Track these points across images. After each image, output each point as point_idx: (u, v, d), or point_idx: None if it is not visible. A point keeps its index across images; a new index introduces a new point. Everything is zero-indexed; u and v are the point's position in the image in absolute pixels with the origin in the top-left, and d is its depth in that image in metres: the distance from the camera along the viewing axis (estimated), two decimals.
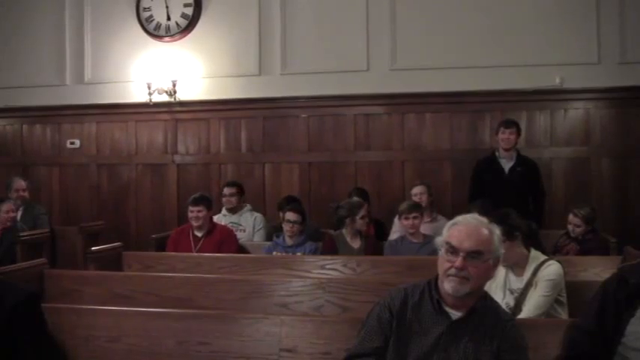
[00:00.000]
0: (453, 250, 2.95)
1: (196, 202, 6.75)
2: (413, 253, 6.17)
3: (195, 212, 6.72)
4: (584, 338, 2.94)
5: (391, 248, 6.45)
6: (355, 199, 7.05)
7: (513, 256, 4.37)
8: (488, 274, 3.03)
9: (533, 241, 4.74)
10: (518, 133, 7.27)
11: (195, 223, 6.73)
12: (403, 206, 6.47)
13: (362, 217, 6.48)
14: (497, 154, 7.28)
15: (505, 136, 7.20)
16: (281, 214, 7.08)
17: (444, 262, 2.98)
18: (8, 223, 7.35)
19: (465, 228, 3.00)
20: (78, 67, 9.51)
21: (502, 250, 3.08)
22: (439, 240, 3.07)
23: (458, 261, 2.91)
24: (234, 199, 7.59)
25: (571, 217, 6.28)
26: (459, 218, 3.08)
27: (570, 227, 6.27)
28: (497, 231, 3.06)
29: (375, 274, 5.60)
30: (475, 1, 8.30)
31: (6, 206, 7.44)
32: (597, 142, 8.12)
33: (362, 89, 8.54)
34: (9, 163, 9.72)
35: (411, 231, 6.35)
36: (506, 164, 7.20)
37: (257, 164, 9.01)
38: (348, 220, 6.51)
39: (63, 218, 9.41)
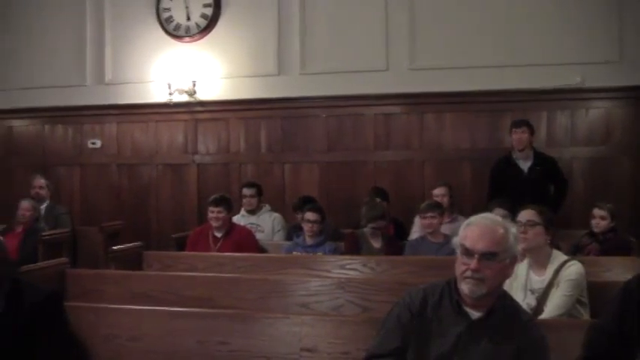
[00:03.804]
0: (467, 251, 2.93)
1: (217, 203, 6.76)
2: (432, 252, 6.16)
3: (215, 213, 6.72)
4: (604, 339, 2.93)
5: (411, 248, 6.45)
6: (377, 200, 7.07)
7: (538, 242, 4.43)
8: (505, 274, 3.00)
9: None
10: (531, 131, 7.23)
11: (214, 224, 6.74)
12: (422, 206, 6.47)
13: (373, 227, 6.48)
14: (513, 155, 7.26)
15: (517, 136, 7.19)
16: (299, 215, 7.09)
17: (460, 264, 2.96)
18: (25, 221, 7.44)
19: (479, 229, 2.97)
20: (98, 67, 9.56)
21: (519, 248, 3.06)
22: (456, 241, 3.06)
23: (473, 263, 2.89)
24: (255, 200, 7.61)
25: (596, 210, 6.22)
26: (473, 219, 3.05)
27: (594, 221, 6.20)
28: (512, 229, 3.04)
29: (395, 274, 5.60)
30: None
31: (24, 204, 7.53)
32: (618, 142, 8.06)
33: (381, 89, 8.52)
34: (31, 163, 9.77)
35: (429, 230, 6.34)
36: (524, 164, 7.17)
37: (276, 164, 9.03)
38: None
39: (84, 218, 9.44)
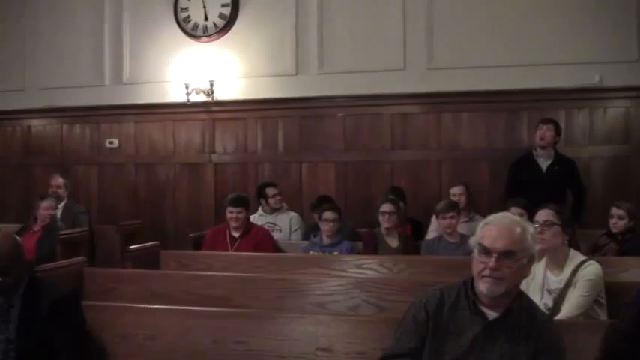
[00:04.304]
0: (485, 250, 2.93)
1: (236, 204, 6.75)
2: (450, 252, 6.15)
3: (235, 213, 6.71)
4: (623, 340, 2.91)
5: (428, 247, 6.45)
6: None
7: (556, 243, 4.40)
8: (523, 273, 3.00)
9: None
10: (557, 131, 7.19)
11: (234, 224, 6.73)
12: (440, 206, 6.46)
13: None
14: (534, 152, 7.23)
15: (542, 132, 7.14)
16: (315, 215, 7.08)
17: (477, 263, 2.96)
18: (47, 220, 7.46)
19: (497, 228, 2.97)
20: (116, 67, 9.61)
21: (536, 247, 3.05)
22: (473, 240, 3.05)
23: (491, 262, 2.89)
24: (280, 198, 7.66)
25: (614, 209, 6.18)
26: (491, 218, 3.06)
27: (612, 221, 6.15)
28: (530, 229, 3.04)
29: (412, 274, 5.59)
30: None
31: (46, 203, 7.56)
32: (637, 141, 7.99)
33: (398, 88, 8.50)
34: (49, 162, 9.83)
35: (448, 230, 6.34)
36: (544, 163, 7.14)
37: (294, 164, 9.03)
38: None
39: (102, 217, 9.48)
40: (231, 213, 6.73)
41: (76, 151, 9.92)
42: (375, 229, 6.69)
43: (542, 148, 7.15)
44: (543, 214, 4.51)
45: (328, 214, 6.51)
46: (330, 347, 3.65)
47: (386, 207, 6.55)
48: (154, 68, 9.41)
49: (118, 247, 7.80)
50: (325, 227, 6.50)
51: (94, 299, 4.75)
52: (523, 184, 7.05)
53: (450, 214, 6.33)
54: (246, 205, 6.84)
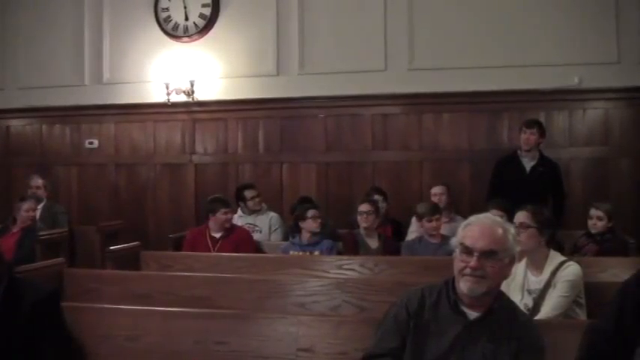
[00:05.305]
0: (467, 250, 2.94)
1: (228, 204, 6.87)
2: (431, 253, 6.16)
3: (229, 214, 6.83)
4: (603, 340, 2.91)
5: (409, 248, 6.45)
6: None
7: (532, 245, 4.42)
8: (504, 273, 3.02)
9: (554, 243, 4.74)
10: (541, 133, 7.22)
11: (227, 225, 6.80)
12: (424, 209, 6.44)
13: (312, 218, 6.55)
14: (519, 152, 7.26)
15: (526, 136, 7.19)
16: (295, 217, 7.08)
17: (458, 262, 2.97)
18: (28, 222, 7.42)
19: (479, 228, 2.99)
20: (97, 67, 9.54)
21: (517, 248, 3.07)
22: (454, 241, 3.07)
23: (472, 261, 2.90)
24: (260, 200, 7.66)
25: (593, 210, 6.22)
26: (473, 218, 3.07)
27: (591, 222, 6.19)
28: (511, 229, 3.06)
29: (393, 274, 5.60)
30: (493, 0, 8.27)
31: (26, 205, 7.51)
32: (616, 142, 8.06)
33: (379, 89, 8.52)
34: (29, 162, 9.77)
35: (434, 233, 6.34)
36: (528, 164, 7.18)
37: (275, 164, 9.02)
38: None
39: (82, 218, 9.43)
40: (226, 214, 6.81)
41: (56, 152, 9.86)
42: (356, 229, 6.70)
43: (527, 151, 7.19)
44: (520, 217, 4.53)
45: (313, 212, 6.52)
46: (311, 348, 3.65)
47: (364, 207, 6.59)
48: (134, 68, 9.36)
49: (99, 248, 7.78)
50: (314, 224, 6.50)
51: (75, 300, 4.73)
52: (507, 184, 7.09)
53: (436, 217, 6.35)
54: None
